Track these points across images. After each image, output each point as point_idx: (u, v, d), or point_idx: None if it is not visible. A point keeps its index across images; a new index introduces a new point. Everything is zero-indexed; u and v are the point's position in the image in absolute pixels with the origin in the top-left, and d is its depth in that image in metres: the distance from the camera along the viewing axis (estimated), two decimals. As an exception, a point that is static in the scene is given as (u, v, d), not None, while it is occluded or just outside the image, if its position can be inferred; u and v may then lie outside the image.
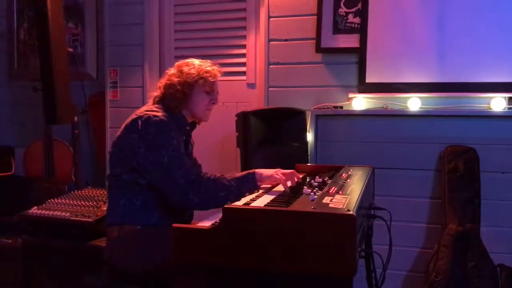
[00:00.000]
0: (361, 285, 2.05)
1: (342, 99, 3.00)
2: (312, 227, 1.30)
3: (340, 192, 1.62)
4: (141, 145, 1.85)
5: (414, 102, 2.84)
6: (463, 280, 2.62)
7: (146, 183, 1.91)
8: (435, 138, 2.85)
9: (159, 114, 1.90)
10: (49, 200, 2.59)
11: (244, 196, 1.83)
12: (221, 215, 1.41)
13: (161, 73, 3.50)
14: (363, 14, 2.94)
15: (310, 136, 2.97)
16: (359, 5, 2.95)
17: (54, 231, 2.42)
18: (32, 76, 3.52)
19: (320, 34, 3.01)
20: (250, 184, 1.88)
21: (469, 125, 2.81)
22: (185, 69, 2.00)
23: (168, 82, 2.01)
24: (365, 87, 2.93)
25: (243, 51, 3.36)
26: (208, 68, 2.02)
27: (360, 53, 2.94)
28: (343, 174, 2.05)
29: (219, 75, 2.06)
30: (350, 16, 2.98)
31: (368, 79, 2.92)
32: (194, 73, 1.99)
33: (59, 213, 2.43)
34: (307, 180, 2.03)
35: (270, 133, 2.83)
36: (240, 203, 1.72)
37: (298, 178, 1.93)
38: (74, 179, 3.41)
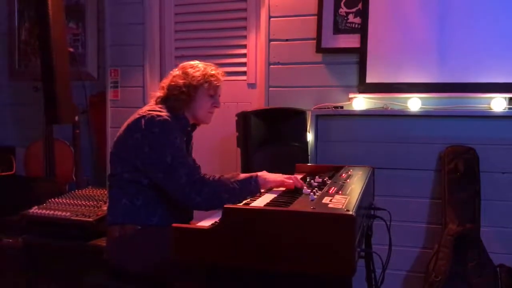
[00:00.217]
0: (360, 285, 2.06)
1: (342, 99, 3.00)
2: (311, 227, 1.30)
3: (340, 192, 1.62)
4: (145, 145, 1.85)
5: (414, 102, 2.84)
6: (463, 280, 2.62)
7: (147, 183, 1.91)
8: (435, 138, 2.85)
9: (163, 114, 1.90)
10: (49, 200, 2.60)
11: (245, 199, 1.83)
12: (221, 215, 1.41)
13: (161, 73, 3.51)
14: (363, 14, 2.94)
15: (310, 136, 2.97)
16: (360, 5, 2.95)
17: (55, 231, 2.42)
18: (33, 76, 3.52)
19: (320, 34, 3.01)
20: (252, 188, 1.88)
21: (469, 125, 2.81)
22: (191, 71, 2.00)
23: (173, 83, 2.00)
24: (365, 87, 2.94)
25: (243, 51, 3.36)
26: (213, 72, 2.02)
27: (360, 53, 2.94)
28: (343, 174, 2.05)
29: (222, 79, 2.06)
30: (351, 16, 2.98)
31: (369, 79, 2.92)
32: (199, 76, 1.99)
33: (60, 212, 2.44)
34: (307, 180, 2.03)
35: (271, 133, 2.83)
36: (240, 203, 1.73)
37: (302, 185, 1.91)
38: (74, 178, 3.42)
